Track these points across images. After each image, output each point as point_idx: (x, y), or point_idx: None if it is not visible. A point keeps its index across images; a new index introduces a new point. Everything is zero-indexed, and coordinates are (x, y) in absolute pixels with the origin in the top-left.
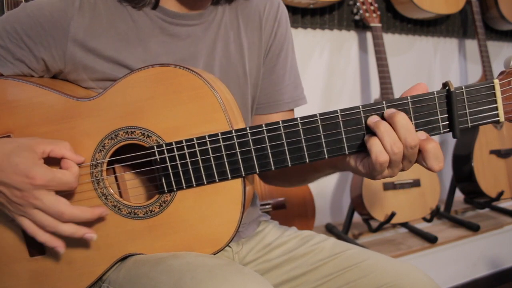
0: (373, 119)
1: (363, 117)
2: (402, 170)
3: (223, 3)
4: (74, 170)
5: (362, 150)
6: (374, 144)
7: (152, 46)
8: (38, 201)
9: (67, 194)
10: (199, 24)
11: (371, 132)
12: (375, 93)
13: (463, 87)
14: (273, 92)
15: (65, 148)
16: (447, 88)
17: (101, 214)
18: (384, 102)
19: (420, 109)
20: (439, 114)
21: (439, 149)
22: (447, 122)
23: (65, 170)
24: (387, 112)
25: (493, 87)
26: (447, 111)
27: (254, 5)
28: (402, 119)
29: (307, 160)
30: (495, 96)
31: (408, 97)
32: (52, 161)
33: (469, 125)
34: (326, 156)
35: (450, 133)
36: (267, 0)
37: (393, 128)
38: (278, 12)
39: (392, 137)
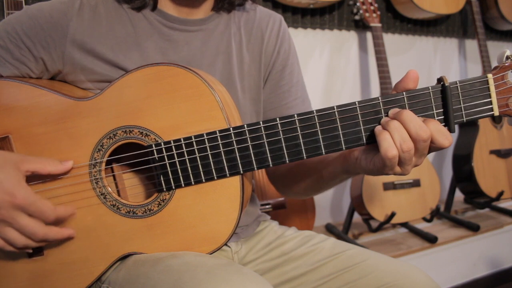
0: (384, 120)
1: (359, 114)
2: (416, 165)
3: (224, 10)
4: (58, 209)
5: (359, 144)
6: (383, 139)
7: (150, 53)
8: (13, 220)
9: (66, 194)
10: (199, 31)
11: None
12: (375, 93)
13: (458, 81)
14: (280, 107)
15: (50, 166)
16: (441, 83)
17: (69, 235)
18: (379, 97)
19: (416, 105)
20: (434, 109)
21: (440, 125)
22: (443, 117)
23: (47, 201)
24: (392, 111)
25: (487, 82)
26: (442, 106)
27: (257, 21)
28: (410, 114)
29: (305, 156)
30: (489, 91)
31: (404, 93)
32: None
33: (464, 119)
34: (324, 151)
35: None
36: (269, 17)
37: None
38: (280, 30)
39: (402, 135)
